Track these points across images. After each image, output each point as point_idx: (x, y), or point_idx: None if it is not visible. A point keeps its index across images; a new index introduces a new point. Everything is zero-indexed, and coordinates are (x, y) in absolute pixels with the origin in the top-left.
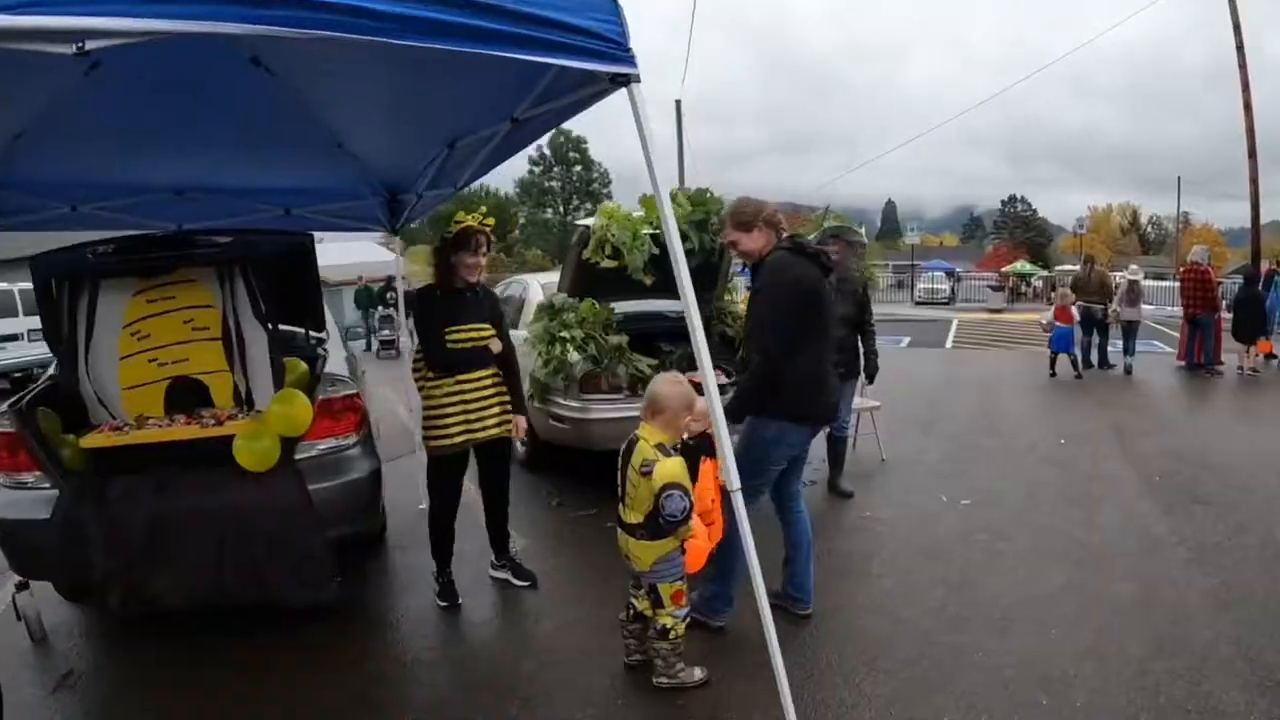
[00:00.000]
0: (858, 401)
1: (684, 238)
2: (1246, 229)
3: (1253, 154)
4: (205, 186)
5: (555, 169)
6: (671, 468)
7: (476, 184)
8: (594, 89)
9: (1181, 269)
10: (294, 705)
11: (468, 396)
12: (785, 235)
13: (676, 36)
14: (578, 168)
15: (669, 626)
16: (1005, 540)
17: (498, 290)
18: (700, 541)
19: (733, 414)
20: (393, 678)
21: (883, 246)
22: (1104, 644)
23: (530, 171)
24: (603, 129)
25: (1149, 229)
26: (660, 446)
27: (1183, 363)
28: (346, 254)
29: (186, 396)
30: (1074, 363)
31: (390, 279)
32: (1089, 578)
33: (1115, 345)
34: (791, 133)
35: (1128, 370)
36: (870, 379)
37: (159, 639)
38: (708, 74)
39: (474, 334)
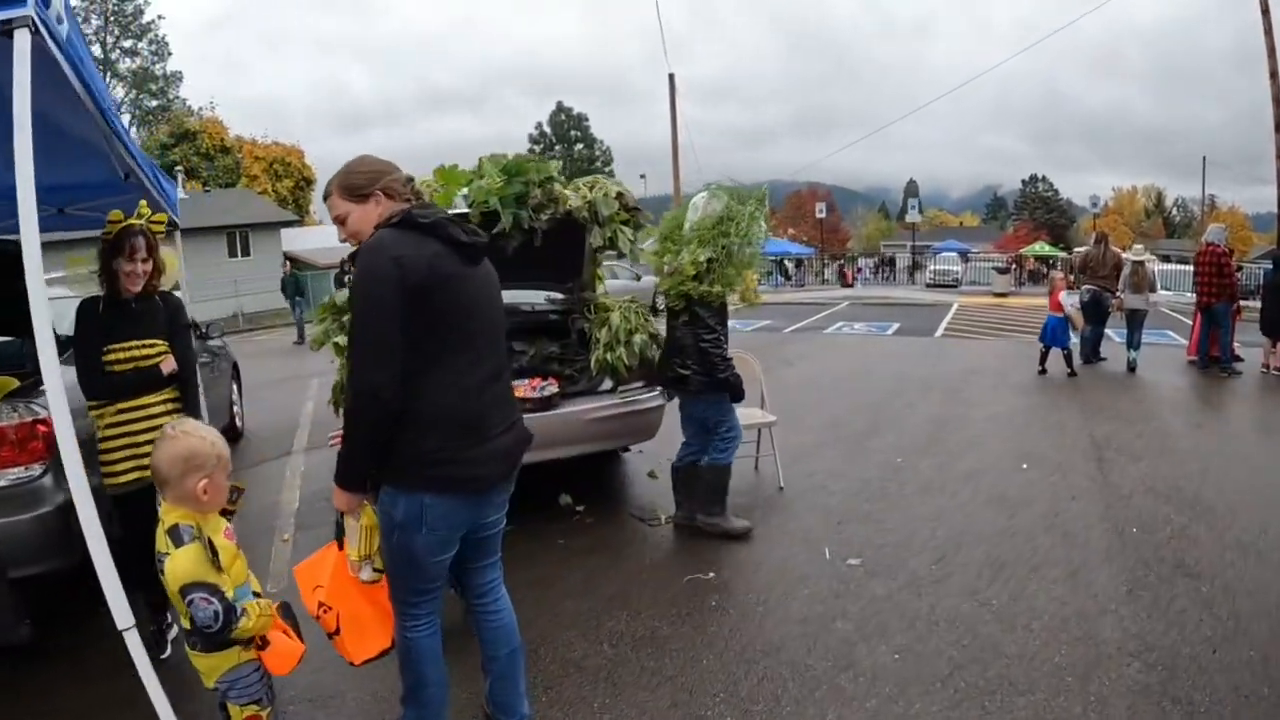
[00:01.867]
0: (756, 415)
1: (494, 217)
2: (1274, 213)
3: (1279, 127)
4: None
5: (556, 147)
6: (182, 563)
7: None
8: None
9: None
10: None
11: (134, 427)
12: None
13: (698, 20)
14: (579, 146)
15: None
16: (872, 639)
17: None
18: (283, 646)
19: (344, 477)
20: None
21: (900, 226)
22: None
23: (531, 150)
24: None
25: (1174, 212)
26: (174, 531)
27: (1194, 358)
28: (327, 238)
29: None
30: (1068, 359)
31: (343, 262)
32: None
33: (1120, 337)
34: (810, 112)
35: (1131, 367)
36: None
37: None
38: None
39: (138, 353)
